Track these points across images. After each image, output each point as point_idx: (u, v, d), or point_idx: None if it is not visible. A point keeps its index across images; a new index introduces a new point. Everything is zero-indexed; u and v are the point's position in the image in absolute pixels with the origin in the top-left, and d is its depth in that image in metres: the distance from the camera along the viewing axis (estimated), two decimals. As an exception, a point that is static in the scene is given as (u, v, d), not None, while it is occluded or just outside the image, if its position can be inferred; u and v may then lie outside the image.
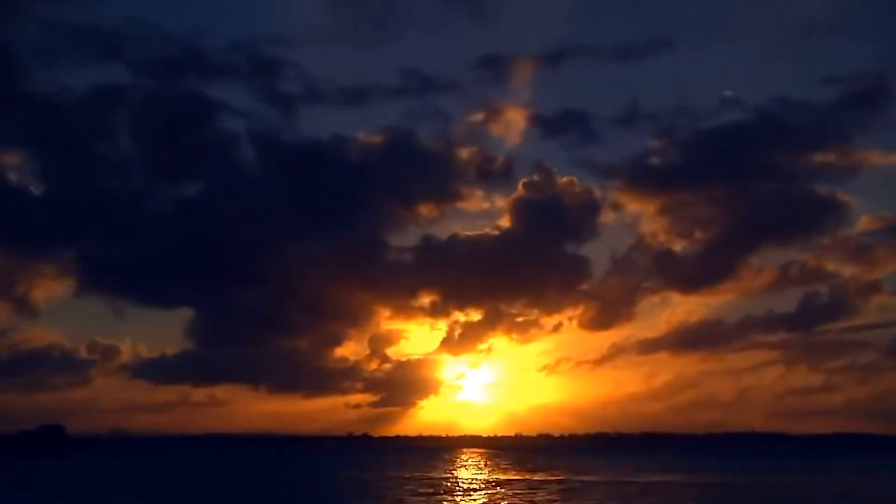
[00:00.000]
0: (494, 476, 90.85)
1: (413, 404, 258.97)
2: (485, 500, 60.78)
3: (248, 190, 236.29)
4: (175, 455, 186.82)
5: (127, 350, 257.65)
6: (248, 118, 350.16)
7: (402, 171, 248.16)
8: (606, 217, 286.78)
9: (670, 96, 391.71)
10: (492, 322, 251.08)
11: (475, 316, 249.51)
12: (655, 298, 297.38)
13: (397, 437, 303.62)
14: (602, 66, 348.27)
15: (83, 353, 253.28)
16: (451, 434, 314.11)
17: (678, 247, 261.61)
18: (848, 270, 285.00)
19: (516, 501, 59.48)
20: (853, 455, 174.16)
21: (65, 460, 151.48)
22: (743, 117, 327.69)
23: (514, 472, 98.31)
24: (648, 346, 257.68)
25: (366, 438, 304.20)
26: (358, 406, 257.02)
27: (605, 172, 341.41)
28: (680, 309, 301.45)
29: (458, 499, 61.41)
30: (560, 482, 78.21)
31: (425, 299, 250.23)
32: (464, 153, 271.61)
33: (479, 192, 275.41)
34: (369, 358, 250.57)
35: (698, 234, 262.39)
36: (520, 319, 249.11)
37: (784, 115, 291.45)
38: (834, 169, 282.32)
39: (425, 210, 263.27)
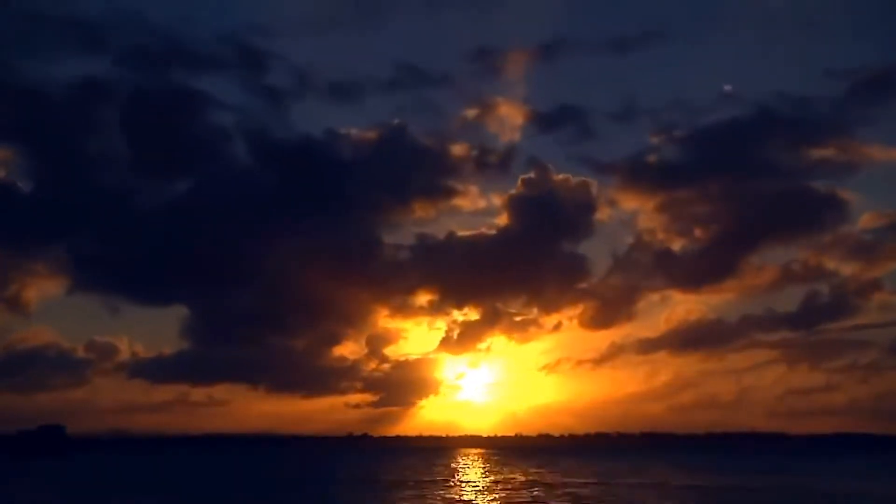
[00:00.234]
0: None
1: (413, 404, 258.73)
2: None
3: (240, 187, 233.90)
4: (175, 455, 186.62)
5: (124, 349, 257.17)
6: (238, 112, 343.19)
7: (396, 168, 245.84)
8: (604, 215, 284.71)
9: (668, 91, 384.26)
10: (491, 321, 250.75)
11: (473, 315, 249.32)
12: (655, 297, 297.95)
13: (397, 437, 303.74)
14: (597, 59, 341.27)
15: (80, 353, 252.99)
16: (451, 434, 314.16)
17: (677, 245, 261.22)
18: (849, 269, 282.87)
19: None
20: (854, 455, 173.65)
21: (65, 460, 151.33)
22: (742, 112, 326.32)
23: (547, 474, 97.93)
24: (648, 346, 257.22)
25: (366, 438, 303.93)
26: (358, 406, 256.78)
27: (602, 169, 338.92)
28: (680, 308, 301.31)
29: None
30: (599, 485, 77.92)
31: (423, 298, 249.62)
32: (459, 149, 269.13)
33: (475, 189, 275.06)
34: (368, 357, 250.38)
35: (698, 232, 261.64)
36: (518, 319, 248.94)
37: (784, 110, 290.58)
38: (835, 165, 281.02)
39: (421, 207, 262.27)
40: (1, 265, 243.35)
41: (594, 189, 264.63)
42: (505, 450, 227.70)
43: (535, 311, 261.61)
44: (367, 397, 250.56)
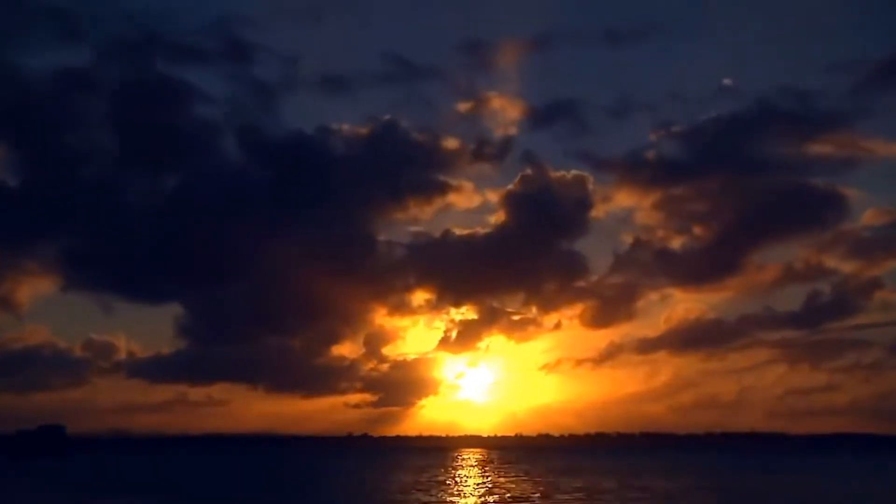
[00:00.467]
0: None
1: (412, 404, 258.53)
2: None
3: (230, 183, 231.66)
4: (175, 455, 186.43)
5: (120, 349, 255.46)
6: (226, 106, 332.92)
7: (389, 165, 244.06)
8: (602, 212, 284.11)
9: (665, 85, 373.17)
10: (489, 320, 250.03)
11: (471, 314, 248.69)
12: (654, 296, 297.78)
13: (397, 437, 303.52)
14: (591, 52, 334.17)
15: (77, 352, 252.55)
16: (451, 434, 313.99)
17: (676, 243, 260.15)
18: (852, 267, 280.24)
19: None
20: (855, 455, 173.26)
21: (65, 460, 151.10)
22: (742, 107, 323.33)
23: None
24: (648, 346, 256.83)
25: (365, 438, 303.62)
26: (357, 406, 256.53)
27: (599, 165, 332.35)
28: (679, 307, 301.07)
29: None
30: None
31: (420, 297, 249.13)
32: (453, 144, 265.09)
33: (470, 185, 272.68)
34: (366, 357, 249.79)
35: (697, 230, 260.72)
36: (517, 318, 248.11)
37: (785, 105, 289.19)
38: (837, 160, 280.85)
39: (415, 204, 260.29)
40: None
41: (592, 186, 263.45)
42: (506, 450, 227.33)
43: (533, 309, 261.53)
44: (367, 397, 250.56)
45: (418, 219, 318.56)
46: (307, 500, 62.77)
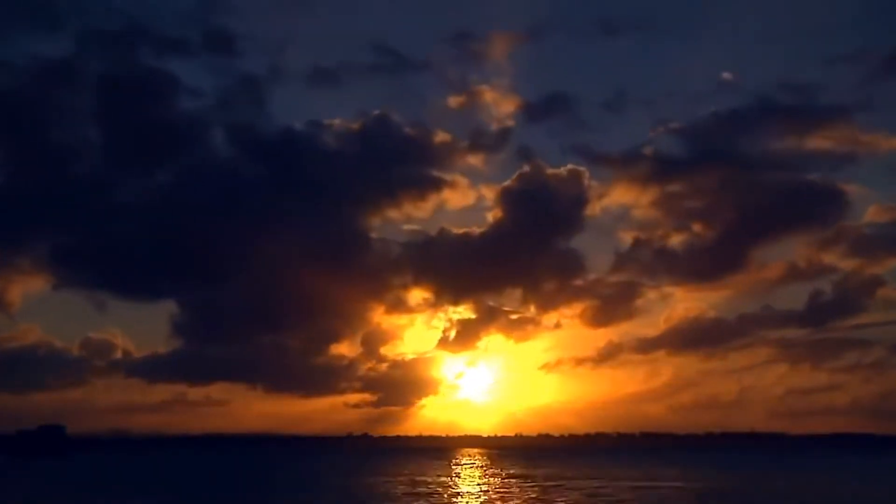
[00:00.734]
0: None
1: (412, 404, 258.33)
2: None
3: (222, 179, 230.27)
4: (175, 455, 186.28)
5: (117, 347, 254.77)
6: (213, 99, 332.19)
7: (382, 160, 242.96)
8: (599, 209, 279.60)
9: (662, 79, 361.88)
10: (487, 319, 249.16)
11: (468, 313, 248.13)
12: (653, 294, 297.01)
13: (397, 438, 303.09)
14: (585, 44, 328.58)
15: (74, 351, 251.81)
16: (451, 434, 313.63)
17: (676, 240, 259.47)
18: (853, 265, 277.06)
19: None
20: (856, 455, 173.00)
21: (65, 460, 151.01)
22: (741, 102, 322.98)
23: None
24: (648, 345, 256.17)
25: (366, 438, 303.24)
26: (357, 406, 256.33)
27: (596, 161, 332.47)
28: (679, 306, 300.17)
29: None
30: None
31: (417, 295, 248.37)
32: (446, 139, 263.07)
33: (465, 181, 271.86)
34: (365, 356, 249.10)
35: (697, 227, 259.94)
36: (515, 317, 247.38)
37: (786, 100, 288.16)
38: (839, 156, 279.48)
39: (410, 200, 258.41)
40: None
41: (589, 182, 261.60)
42: (506, 450, 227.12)
43: (532, 308, 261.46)
44: (367, 397, 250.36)
45: (413, 216, 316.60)
46: (307, 499, 62.68)
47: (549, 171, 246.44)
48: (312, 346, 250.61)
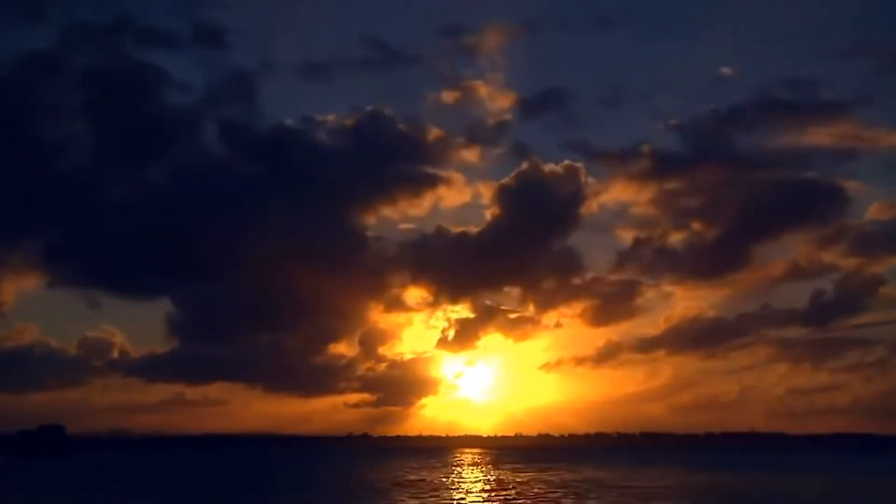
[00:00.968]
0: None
1: (412, 403, 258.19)
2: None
3: (214, 176, 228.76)
4: (175, 455, 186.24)
5: (114, 346, 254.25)
6: (202, 93, 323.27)
7: (377, 157, 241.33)
8: (596, 206, 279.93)
9: (660, 73, 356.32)
10: (486, 319, 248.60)
11: (466, 312, 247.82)
12: (653, 293, 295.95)
13: (397, 437, 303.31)
14: (581, 38, 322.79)
15: (71, 351, 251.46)
16: (451, 434, 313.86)
17: (675, 239, 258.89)
18: (855, 263, 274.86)
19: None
20: (857, 455, 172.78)
21: (65, 460, 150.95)
22: (741, 97, 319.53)
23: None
24: (648, 344, 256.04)
25: (366, 438, 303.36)
26: (357, 406, 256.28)
27: (593, 158, 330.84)
28: (679, 305, 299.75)
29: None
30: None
31: (415, 294, 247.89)
32: (440, 135, 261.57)
33: (460, 178, 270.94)
34: (363, 356, 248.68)
35: (696, 226, 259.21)
36: (513, 316, 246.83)
37: (786, 95, 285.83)
38: (840, 153, 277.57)
39: (405, 198, 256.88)
40: None
41: (586, 179, 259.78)
42: (506, 450, 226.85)
43: (530, 307, 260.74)
44: (366, 397, 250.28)
45: (410, 214, 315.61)
46: (307, 499, 62.61)
47: (547, 168, 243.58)
48: (310, 346, 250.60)
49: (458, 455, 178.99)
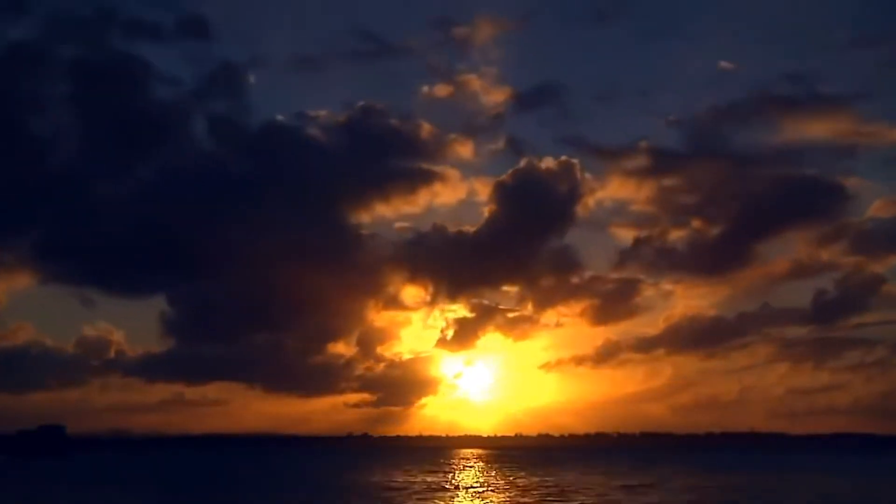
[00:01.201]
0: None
1: (411, 403, 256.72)
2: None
3: (204, 172, 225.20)
4: (175, 455, 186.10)
5: (112, 345, 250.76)
6: (191, 87, 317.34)
7: (371, 154, 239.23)
8: (593, 203, 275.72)
9: (657, 68, 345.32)
10: (484, 318, 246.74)
11: (464, 311, 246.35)
12: (652, 292, 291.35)
13: (397, 437, 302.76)
14: (577, 31, 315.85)
15: (69, 350, 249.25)
16: (451, 434, 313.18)
17: (674, 237, 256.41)
18: (856, 262, 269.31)
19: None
20: (857, 455, 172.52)
21: (65, 460, 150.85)
22: (741, 93, 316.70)
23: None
24: (648, 344, 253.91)
25: (366, 438, 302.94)
26: (357, 406, 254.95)
27: (589, 153, 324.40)
28: (679, 304, 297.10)
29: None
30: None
31: (413, 293, 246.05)
32: (434, 131, 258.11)
33: (455, 173, 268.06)
34: (362, 356, 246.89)
35: (696, 224, 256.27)
36: (512, 315, 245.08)
37: (786, 91, 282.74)
38: (841, 148, 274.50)
39: (400, 194, 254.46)
40: None
41: (582, 175, 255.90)
42: (506, 450, 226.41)
43: (529, 306, 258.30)
44: (366, 397, 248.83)
45: (405, 211, 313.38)
46: (307, 499, 62.54)
47: (544, 165, 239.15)
48: (309, 345, 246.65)
49: (458, 455, 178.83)
